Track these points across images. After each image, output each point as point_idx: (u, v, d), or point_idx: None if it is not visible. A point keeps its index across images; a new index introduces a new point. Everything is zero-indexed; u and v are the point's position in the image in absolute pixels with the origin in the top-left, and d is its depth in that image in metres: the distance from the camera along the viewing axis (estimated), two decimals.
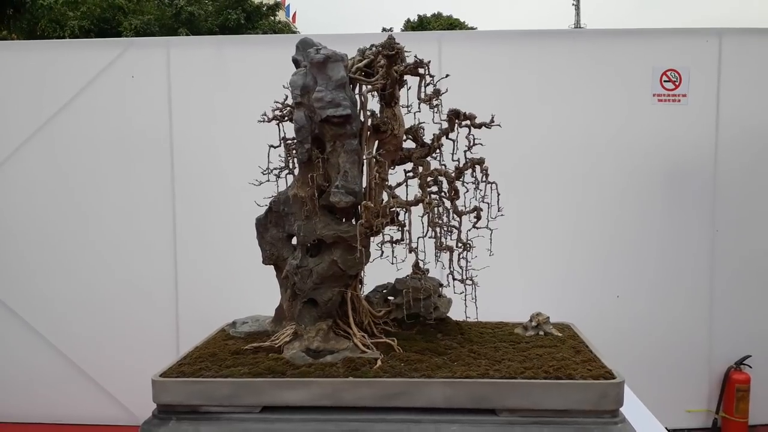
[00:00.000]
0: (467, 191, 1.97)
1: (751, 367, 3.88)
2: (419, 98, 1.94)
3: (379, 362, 1.82)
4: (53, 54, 3.95)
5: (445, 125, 1.99)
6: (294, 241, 2.06)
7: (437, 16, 28.80)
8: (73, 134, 3.90)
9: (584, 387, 1.69)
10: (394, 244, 2.00)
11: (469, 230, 1.94)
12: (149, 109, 3.87)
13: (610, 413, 1.69)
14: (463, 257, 1.96)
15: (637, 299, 3.85)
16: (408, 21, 29.18)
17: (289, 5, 29.06)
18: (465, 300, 1.96)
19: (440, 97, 1.93)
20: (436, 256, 1.95)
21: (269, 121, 2.06)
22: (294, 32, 22.47)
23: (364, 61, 1.92)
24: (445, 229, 1.93)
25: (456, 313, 2.12)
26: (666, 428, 2.04)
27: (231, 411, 1.74)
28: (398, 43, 1.86)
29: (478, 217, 1.93)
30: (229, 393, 1.73)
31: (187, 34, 14.88)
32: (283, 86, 1.98)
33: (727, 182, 3.84)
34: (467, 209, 1.95)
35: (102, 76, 3.88)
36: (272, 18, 19.32)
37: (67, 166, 3.92)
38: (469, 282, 1.97)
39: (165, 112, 3.86)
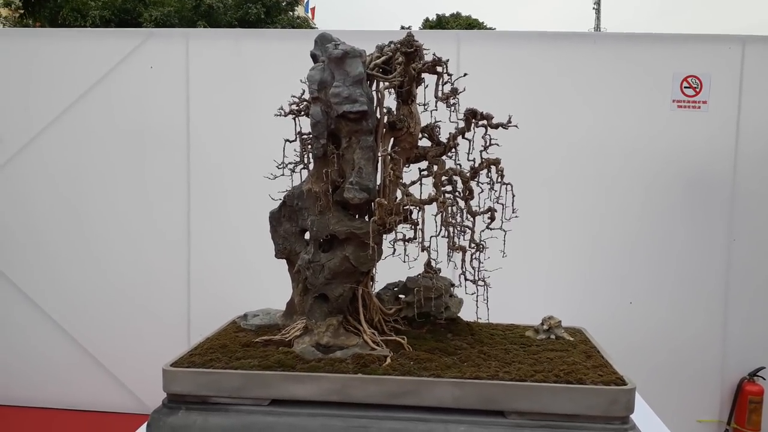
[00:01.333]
0: (482, 191, 1.96)
1: (764, 378, 3.83)
2: (436, 96, 1.93)
3: (388, 360, 1.81)
4: (74, 42, 3.99)
5: (462, 124, 1.98)
6: (307, 235, 2.06)
7: (456, 16, 28.73)
8: (91, 123, 3.93)
9: (594, 392, 1.67)
10: (406, 243, 2.00)
11: (483, 231, 1.93)
12: (167, 100, 3.89)
13: (620, 420, 1.68)
14: (475, 258, 1.95)
15: (651, 306, 3.81)
16: (427, 20, 29.15)
17: (308, 1, 29.12)
18: (476, 301, 1.95)
19: (457, 96, 1.92)
20: (448, 255, 1.95)
21: (285, 115, 2.07)
22: (313, 28, 22.55)
23: (382, 58, 1.92)
24: (459, 228, 1.92)
25: (467, 314, 2.11)
26: None
27: (240, 403, 1.75)
28: (417, 41, 1.86)
29: (492, 218, 1.92)
30: (239, 385, 1.74)
31: (206, 27, 14.99)
32: (301, 81, 1.98)
33: (747, 191, 3.78)
34: (481, 210, 1.95)
35: (122, 66, 3.91)
36: (291, 13, 19.40)
37: (85, 154, 3.95)
38: (481, 283, 1.96)
39: (183, 103, 3.89)
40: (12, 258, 4.05)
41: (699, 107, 3.76)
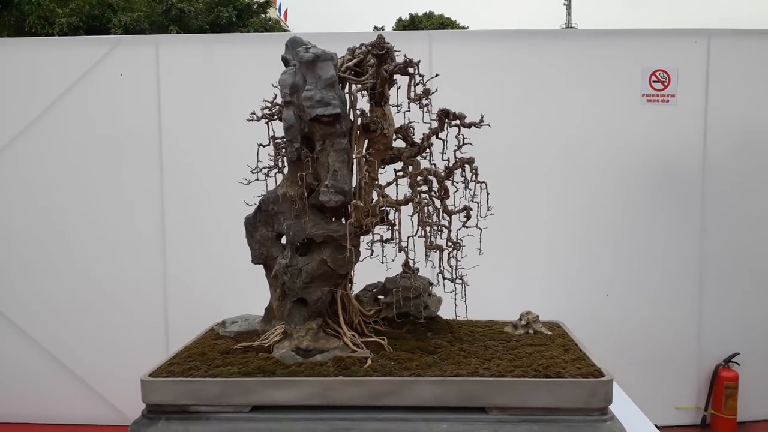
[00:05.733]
0: (457, 191, 1.97)
1: (739, 364, 3.91)
2: (409, 98, 1.94)
3: (369, 361, 1.82)
4: (42, 51, 3.91)
5: (435, 125, 1.99)
6: (283, 240, 2.06)
7: (429, 15, 28.80)
8: (61, 132, 3.87)
9: (573, 385, 1.70)
10: (384, 244, 2.01)
11: (459, 229, 1.95)
12: (138, 107, 3.85)
13: (599, 411, 1.70)
14: (452, 256, 1.96)
15: (627, 298, 3.88)
16: (400, 20, 29.17)
17: (280, 3, 28.96)
18: (455, 299, 1.97)
19: (430, 97, 1.93)
20: (426, 255, 1.96)
21: (258, 120, 2.06)
22: (285, 30, 22.42)
23: (354, 60, 1.92)
24: (435, 228, 1.93)
25: (446, 312, 2.13)
26: (655, 425, 2.05)
27: (220, 410, 1.74)
28: (388, 43, 1.87)
29: (468, 217, 1.94)
30: (219, 392, 1.73)
31: (177, 32, 14.80)
32: (273, 85, 1.97)
33: (716, 182, 3.86)
34: (457, 208, 1.96)
35: (91, 74, 3.85)
36: (263, 15, 19.26)
37: (56, 164, 3.88)
38: (458, 281, 1.97)
39: (154, 110, 3.84)
40: None
41: (668, 101, 3.83)
